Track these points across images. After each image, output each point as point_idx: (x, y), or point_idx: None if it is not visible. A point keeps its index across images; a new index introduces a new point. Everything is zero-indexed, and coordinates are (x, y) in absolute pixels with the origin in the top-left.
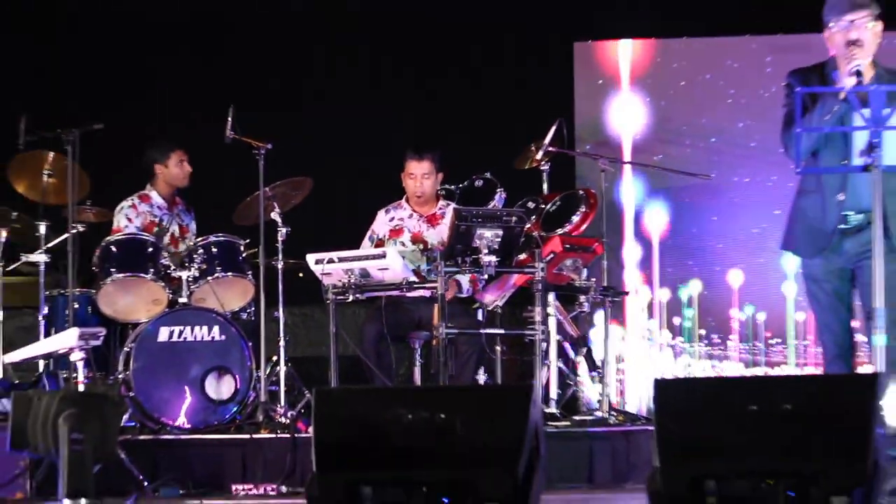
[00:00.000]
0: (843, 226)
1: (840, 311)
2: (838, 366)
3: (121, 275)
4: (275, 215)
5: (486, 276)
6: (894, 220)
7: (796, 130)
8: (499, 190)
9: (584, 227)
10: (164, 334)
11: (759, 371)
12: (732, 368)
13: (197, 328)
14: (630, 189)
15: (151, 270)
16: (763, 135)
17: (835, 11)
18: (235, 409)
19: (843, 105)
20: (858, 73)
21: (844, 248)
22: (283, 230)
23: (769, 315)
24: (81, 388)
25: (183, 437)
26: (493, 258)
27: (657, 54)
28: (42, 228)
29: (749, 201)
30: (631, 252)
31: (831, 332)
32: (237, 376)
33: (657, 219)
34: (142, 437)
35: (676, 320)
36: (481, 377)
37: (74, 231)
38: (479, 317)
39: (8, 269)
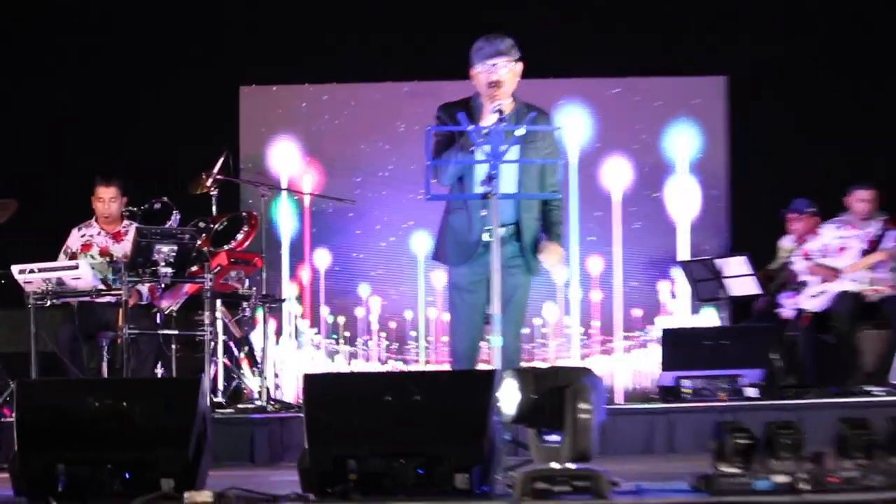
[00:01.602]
0: (486, 238)
1: (474, 317)
2: (464, 364)
3: None
4: None
5: (163, 285)
6: (529, 233)
7: (427, 163)
8: (174, 212)
9: (246, 243)
10: None
11: (397, 366)
12: (372, 365)
13: None
14: (287, 211)
15: None
16: (396, 164)
17: (480, 56)
18: None
19: (482, 139)
20: (500, 112)
21: (487, 259)
22: None
23: (404, 316)
24: None
25: None
26: (169, 270)
27: (309, 96)
28: None
29: (386, 219)
30: (286, 264)
31: (463, 335)
32: None
33: (309, 239)
34: None
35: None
36: (159, 371)
37: None
38: (157, 320)
39: None
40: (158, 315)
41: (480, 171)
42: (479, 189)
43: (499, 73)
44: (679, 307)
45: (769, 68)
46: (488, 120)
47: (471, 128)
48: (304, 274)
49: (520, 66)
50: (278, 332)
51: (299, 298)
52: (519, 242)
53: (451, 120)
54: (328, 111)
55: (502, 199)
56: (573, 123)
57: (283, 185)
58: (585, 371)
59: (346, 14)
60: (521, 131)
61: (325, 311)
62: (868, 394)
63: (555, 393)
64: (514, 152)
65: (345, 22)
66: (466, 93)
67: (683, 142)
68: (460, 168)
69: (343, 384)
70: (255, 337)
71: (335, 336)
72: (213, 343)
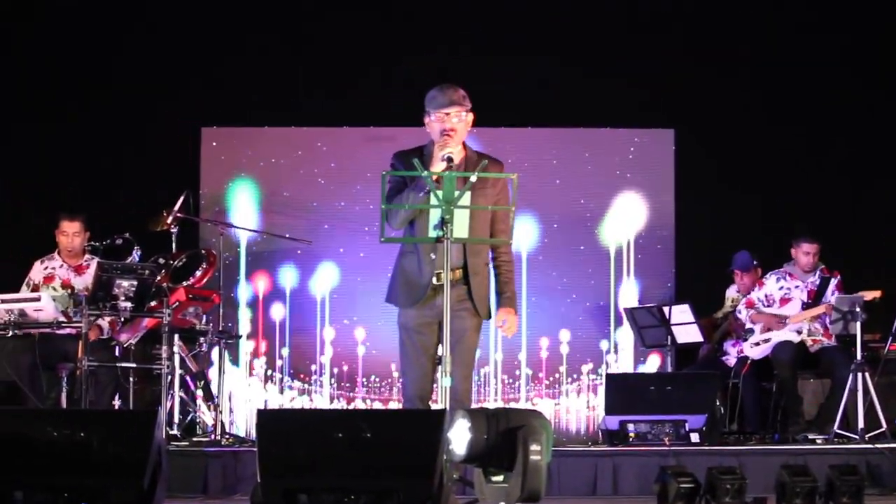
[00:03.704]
0: (435, 281)
1: (423, 358)
2: (415, 403)
3: None
4: None
5: (122, 319)
6: (477, 278)
7: (381, 206)
8: (135, 247)
9: (204, 280)
10: None
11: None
12: (323, 401)
13: None
14: (243, 251)
15: None
16: (353, 207)
17: (434, 105)
18: None
19: (434, 184)
20: (450, 159)
21: (436, 302)
22: None
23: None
24: None
25: None
26: (129, 304)
27: (269, 139)
28: None
29: (341, 260)
30: (244, 299)
31: (413, 375)
32: None
33: (265, 278)
34: None
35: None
36: (117, 403)
37: None
38: (116, 352)
39: None
40: (117, 348)
41: (433, 216)
42: (432, 233)
43: (451, 121)
44: (624, 353)
45: (712, 120)
46: (438, 167)
47: (425, 174)
48: (260, 312)
49: (471, 117)
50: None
51: (255, 335)
52: (467, 286)
53: (404, 167)
54: (287, 153)
55: (453, 244)
56: (525, 174)
57: (242, 224)
58: (535, 413)
59: (308, 59)
60: (474, 177)
61: (281, 349)
62: (809, 441)
63: (506, 434)
64: (465, 198)
65: (306, 67)
66: (422, 140)
67: (631, 190)
68: (411, 213)
69: (295, 420)
70: (212, 371)
71: (290, 373)
72: (169, 377)
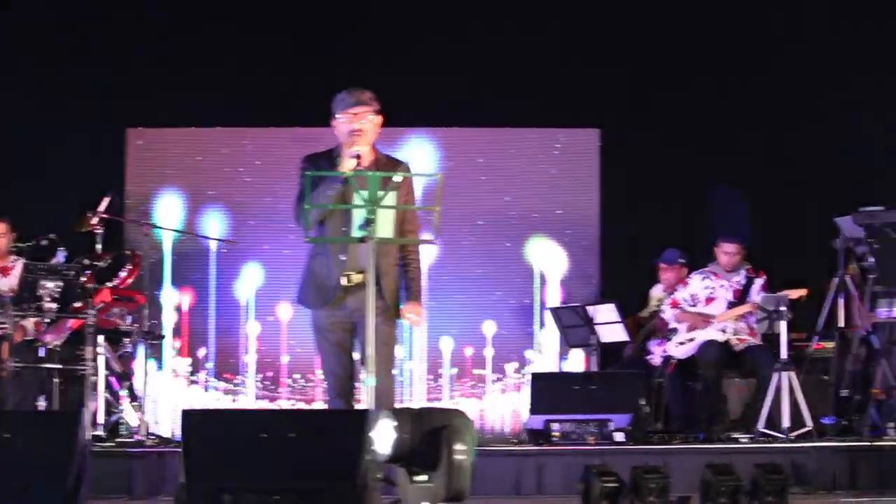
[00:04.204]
0: (344, 283)
1: (342, 357)
2: (339, 403)
3: None
4: None
5: (47, 320)
6: (386, 279)
7: (305, 206)
8: (60, 249)
9: (129, 281)
10: None
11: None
12: (248, 402)
13: None
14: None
15: None
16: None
17: (342, 106)
18: None
19: (343, 185)
20: (358, 157)
21: (346, 304)
22: None
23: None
24: None
25: None
26: (54, 305)
27: (195, 139)
28: None
29: (266, 259)
30: (168, 300)
31: (334, 375)
32: None
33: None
34: None
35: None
36: (42, 404)
37: None
38: (41, 353)
39: None
40: (42, 349)
41: (355, 216)
42: (357, 233)
43: (360, 122)
44: (548, 352)
45: (639, 120)
46: (347, 165)
47: (348, 173)
48: (185, 312)
49: (379, 118)
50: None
51: (178, 335)
52: (378, 286)
53: (314, 169)
54: (213, 154)
55: (361, 246)
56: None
57: (168, 224)
58: (459, 413)
59: (234, 59)
60: (398, 177)
61: (205, 349)
62: (734, 440)
63: (430, 433)
64: (390, 198)
65: (231, 67)
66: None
67: (554, 191)
68: (319, 213)
69: (220, 420)
70: (137, 371)
71: (215, 374)
72: (94, 378)
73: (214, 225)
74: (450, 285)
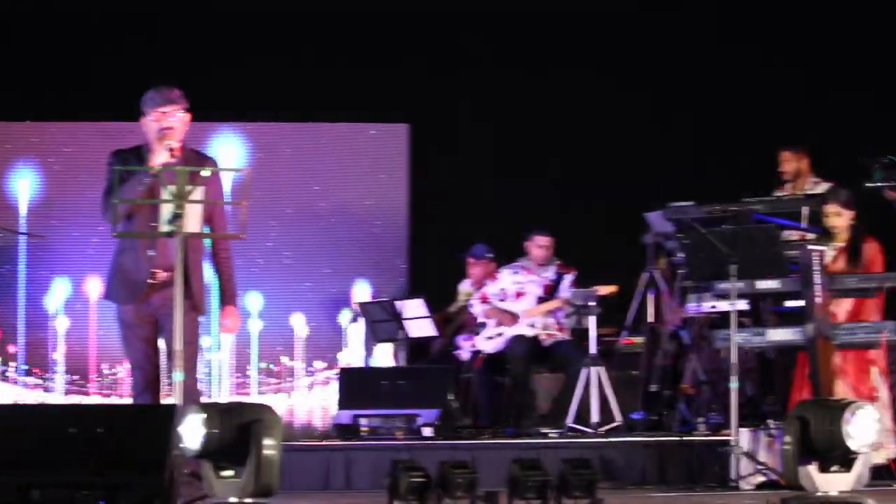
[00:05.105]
0: (151, 280)
1: (148, 352)
2: (146, 397)
3: None
4: None
5: None
6: (195, 274)
7: (113, 201)
8: None
9: None
10: None
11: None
12: (57, 397)
13: None
14: None
15: None
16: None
17: (151, 104)
18: None
19: (152, 179)
20: (171, 150)
21: (152, 300)
22: None
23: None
24: None
25: None
26: None
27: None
28: None
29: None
30: None
31: (141, 370)
32: None
33: None
34: None
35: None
36: None
37: None
38: None
39: None
40: None
41: (163, 211)
42: (166, 228)
43: (169, 120)
44: (356, 347)
45: (446, 115)
46: (160, 158)
47: (158, 168)
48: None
49: (188, 116)
50: None
51: None
52: (186, 282)
53: (122, 164)
54: (46, 149)
55: (169, 242)
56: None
57: None
58: (267, 408)
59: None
60: (207, 172)
61: (14, 343)
62: (542, 435)
63: (239, 428)
64: (198, 192)
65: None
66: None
67: (364, 185)
68: (128, 206)
69: (28, 415)
70: None
71: (24, 368)
72: None
73: (22, 218)
74: (257, 277)
